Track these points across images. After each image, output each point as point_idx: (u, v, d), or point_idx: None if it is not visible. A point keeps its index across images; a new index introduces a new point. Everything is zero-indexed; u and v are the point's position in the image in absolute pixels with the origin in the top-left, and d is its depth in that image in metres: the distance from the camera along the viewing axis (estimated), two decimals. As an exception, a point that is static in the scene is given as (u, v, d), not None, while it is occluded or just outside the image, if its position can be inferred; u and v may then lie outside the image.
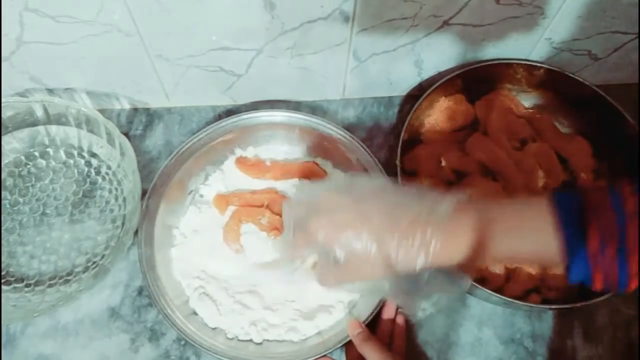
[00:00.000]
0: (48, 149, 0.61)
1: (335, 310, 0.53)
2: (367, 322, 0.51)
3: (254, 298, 0.54)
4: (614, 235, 0.33)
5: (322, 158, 0.62)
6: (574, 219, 0.34)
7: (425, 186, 0.40)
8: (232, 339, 0.53)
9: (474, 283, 0.50)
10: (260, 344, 0.53)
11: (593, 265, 0.34)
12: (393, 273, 0.37)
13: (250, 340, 0.53)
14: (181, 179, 0.58)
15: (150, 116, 0.66)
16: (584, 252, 0.34)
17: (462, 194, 0.38)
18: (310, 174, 0.60)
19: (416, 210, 0.37)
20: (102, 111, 0.63)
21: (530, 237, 0.36)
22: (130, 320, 0.55)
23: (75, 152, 0.61)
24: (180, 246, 0.57)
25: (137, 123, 0.66)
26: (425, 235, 0.35)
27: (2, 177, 0.60)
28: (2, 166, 0.60)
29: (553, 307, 0.54)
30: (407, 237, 0.36)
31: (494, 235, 0.36)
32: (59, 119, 0.59)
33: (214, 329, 0.53)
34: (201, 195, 0.59)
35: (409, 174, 0.61)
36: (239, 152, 0.61)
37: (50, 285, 0.55)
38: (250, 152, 0.61)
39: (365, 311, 0.51)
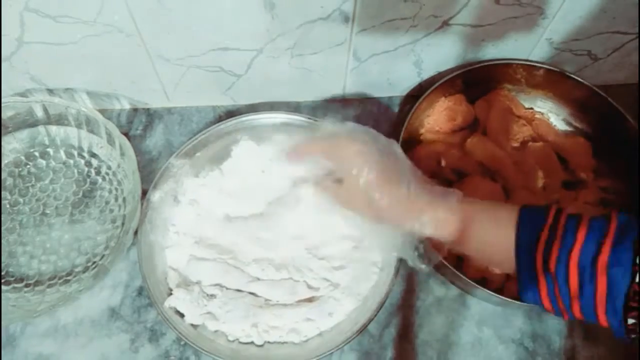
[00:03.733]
0: (48, 149, 0.61)
1: (336, 313, 0.53)
2: (371, 321, 0.51)
3: (255, 300, 0.54)
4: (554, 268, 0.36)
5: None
6: (531, 240, 0.37)
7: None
8: (233, 341, 0.53)
9: (474, 283, 0.50)
10: (261, 345, 0.53)
11: (540, 287, 0.37)
12: (379, 219, 0.43)
13: (252, 343, 0.53)
14: (181, 179, 0.58)
15: (151, 116, 0.66)
16: (532, 272, 0.37)
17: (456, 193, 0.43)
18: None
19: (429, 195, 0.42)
20: (102, 111, 0.64)
21: (498, 237, 0.39)
22: (130, 321, 0.55)
23: (75, 152, 0.61)
24: (179, 246, 0.56)
25: (137, 123, 0.66)
26: (431, 213, 0.41)
27: (2, 177, 0.60)
28: (2, 166, 0.60)
29: (553, 307, 0.54)
30: (414, 206, 0.42)
31: (473, 227, 0.41)
32: (59, 119, 0.59)
33: (215, 331, 0.53)
34: (200, 196, 0.59)
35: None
36: (235, 153, 0.61)
37: (50, 285, 0.55)
38: (250, 150, 0.61)
39: (365, 314, 0.51)
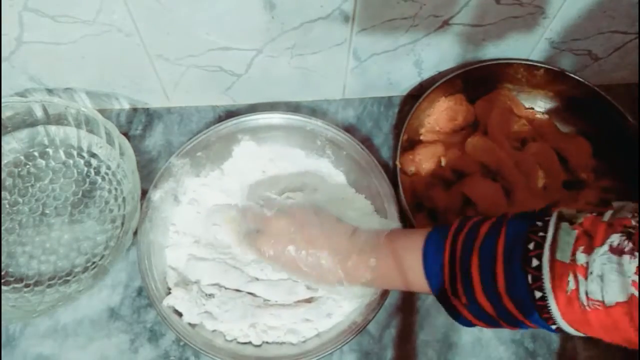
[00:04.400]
0: (47, 149, 0.61)
1: (334, 314, 0.53)
2: (365, 326, 0.51)
3: (253, 300, 0.54)
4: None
5: (322, 158, 0.61)
6: (437, 259, 0.41)
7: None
8: (231, 340, 0.52)
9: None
10: (259, 346, 0.52)
11: (454, 302, 0.40)
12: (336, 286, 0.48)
13: (250, 343, 0.52)
14: (182, 178, 0.58)
15: (150, 116, 0.66)
16: (440, 284, 0.41)
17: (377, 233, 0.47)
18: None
19: (358, 245, 0.47)
20: (101, 111, 0.63)
21: (408, 264, 0.43)
22: (129, 321, 0.55)
23: (75, 152, 0.61)
24: (178, 245, 0.56)
25: (136, 123, 0.66)
26: (369, 264, 0.46)
27: (2, 177, 0.60)
28: (2, 166, 0.60)
29: (553, 307, 0.54)
30: (356, 267, 0.46)
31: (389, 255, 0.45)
32: (59, 119, 0.59)
33: (213, 331, 0.53)
34: (200, 195, 0.59)
35: (409, 174, 0.61)
36: (236, 153, 0.61)
37: (49, 286, 0.55)
38: (251, 150, 0.61)
39: (364, 316, 0.51)
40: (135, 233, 0.54)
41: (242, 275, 0.55)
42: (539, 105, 0.66)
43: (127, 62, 0.58)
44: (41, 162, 0.61)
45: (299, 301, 0.54)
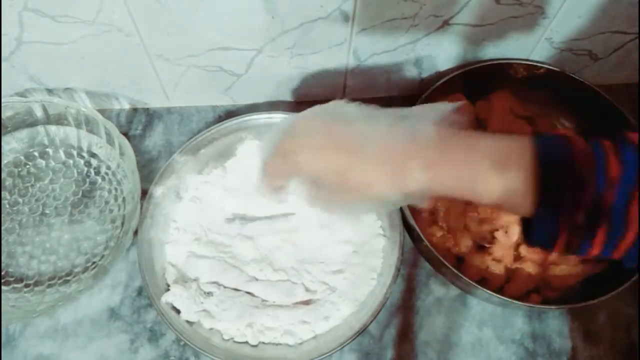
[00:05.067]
0: (47, 149, 0.61)
1: (332, 317, 0.53)
2: (366, 327, 0.51)
3: (251, 300, 0.54)
4: (588, 203, 0.31)
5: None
6: (555, 171, 0.32)
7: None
8: (227, 340, 0.53)
9: (474, 283, 0.50)
10: (255, 346, 0.52)
11: (561, 225, 0.32)
12: (376, 199, 0.37)
13: (246, 342, 0.53)
14: (184, 175, 0.58)
15: (150, 116, 0.66)
16: (555, 210, 0.32)
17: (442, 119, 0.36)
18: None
19: (402, 140, 0.36)
20: (101, 111, 0.63)
21: (511, 177, 0.33)
22: (129, 321, 0.55)
23: (75, 152, 0.61)
24: (179, 242, 0.56)
25: (136, 123, 0.66)
26: (415, 170, 0.35)
27: (2, 177, 0.60)
28: (2, 166, 0.60)
29: (553, 307, 0.54)
30: (398, 170, 0.35)
31: (480, 171, 0.34)
32: (59, 119, 0.59)
33: (210, 329, 0.53)
34: (202, 193, 0.59)
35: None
36: (240, 151, 0.61)
37: (49, 286, 0.55)
38: (254, 149, 0.61)
39: (362, 319, 0.51)
40: (135, 233, 0.54)
41: (241, 275, 0.55)
42: (538, 105, 0.66)
43: (127, 62, 0.58)
44: (41, 162, 0.61)
45: (297, 303, 0.54)
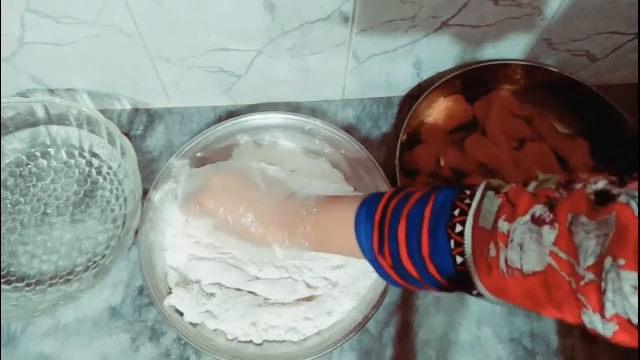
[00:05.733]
0: (49, 149, 0.62)
1: (334, 312, 0.54)
2: (365, 324, 0.51)
3: (254, 299, 0.54)
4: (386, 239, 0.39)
5: (321, 157, 0.62)
6: (369, 219, 0.41)
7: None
8: (232, 340, 0.53)
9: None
10: (260, 344, 0.53)
11: (382, 263, 0.40)
12: (270, 246, 0.47)
13: (251, 342, 0.53)
14: (181, 179, 0.58)
15: (151, 117, 0.66)
16: (371, 252, 0.41)
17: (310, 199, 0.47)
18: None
19: (294, 209, 0.46)
20: (103, 111, 0.64)
21: (340, 229, 0.43)
22: (131, 320, 0.55)
23: (77, 153, 0.62)
24: (179, 246, 0.57)
25: (138, 123, 0.66)
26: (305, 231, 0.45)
27: (4, 177, 0.60)
28: (4, 166, 0.60)
29: (552, 306, 0.54)
30: (293, 231, 0.46)
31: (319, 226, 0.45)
32: (60, 120, 0.59)
33: (214, 330, 0.53)
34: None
35: (408, 174, 0.61)
36: (237, 154, 0.61)
37: (51, 285, 0.55)
38: (250, 150, 0.61)
39: (364, 313, 0.52)
40: (136, 233, 0.54)
41: (243, 275, 0.55)
42: (537, 106, 0.66)
43: (129, 63, 0.58)
44: (43, 162, 0.61)
45: (299, 300, 0.55)
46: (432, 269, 0.37)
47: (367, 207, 0.41)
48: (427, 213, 0.37)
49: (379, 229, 0.39)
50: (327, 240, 0.45)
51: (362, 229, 0.41)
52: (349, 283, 0.54)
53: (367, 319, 0.51)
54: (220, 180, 0.49)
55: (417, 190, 0.40)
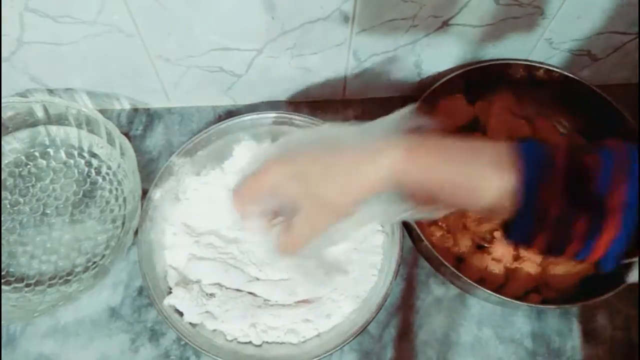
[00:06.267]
0: (48, 149, 0.61)
1: (334, 315, 0.53)
2: (369, 323, 0.51)
3: (254, 300, 0.54)
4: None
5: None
6: (537, 171, 0.33)
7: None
8: (231, 340, 0.53)
9: (474, 283, 0.51)
10: (259, 345, 0.53)
11: (538, 224, 0.33)
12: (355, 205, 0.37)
13: (250, 343, 0.53)
14: (182, 177, 0.58)
15: (151, 116, 0.66)
16: (534, 207, 0.32)
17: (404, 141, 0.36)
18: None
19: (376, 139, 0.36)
20: (102, 111, 0.63)
21: (507, 177, 0.33)
22: (130, 320, 0.55)
23: (76, 152, 0.61)
24: (179, 245, 0.56)
25: (137, 123, 0.66)
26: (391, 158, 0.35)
27: (3, 177, 0.60)
28: (3, 166, 0.60)
29: (552, 306, 0.54)
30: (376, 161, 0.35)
31: (483, 171, 0.34)
32: (60, 119, 0.59)
33: (214, 330, 0.53)
34: (201, 195, 0.59)
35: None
36: (237, 152, 0.61)
37: (50, 285, 0.55)
38: (252, 149, 0.61)
39: (364, 316, 0.51)
40: (135, 233, 0.54)
41: (243, 275, 0.55)
42: (538, 105, 0.66)
43: (128, 62, 0.58)
44: (42, 162, 0.61)
45: (299, 301, 0.54)
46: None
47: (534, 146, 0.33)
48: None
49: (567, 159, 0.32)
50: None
51: (533, 153, 0.33)
52: (349, 286, 0.54)
53: (367, 322, 0.51)
54: (288, 145, 0.40)
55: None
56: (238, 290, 0.55)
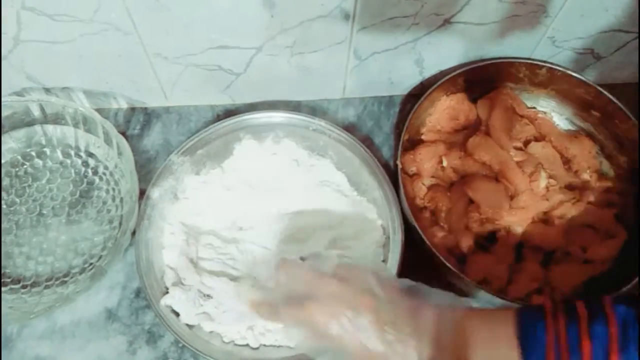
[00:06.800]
0: (45, 149, 0.61)
1: None
2: None
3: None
4: None
5: (323, 158, 0.61)
6: (537, 342, 0.35)
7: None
8: (228, 343, 0.52)
9: (476, 285, 0.50)
10: (257, 348, 0.52)
11: None
12: None
13: (247, 345, 0.52)
14: (181, 176, 0.57)
15: (148, 115, 0.66)
16: None
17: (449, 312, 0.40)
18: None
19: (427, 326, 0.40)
20: (99, 110, 0.63)
21: (498, 348, 0.37)
22: (127, 322, 0.55)
23: (72, 152, 0.61)
24: (176, 245, 0.56)
25: (134, 122, 0.65)
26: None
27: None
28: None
29: (556, 308, 0.53)
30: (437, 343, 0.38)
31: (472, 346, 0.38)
32: (56, 119, 0.59)
33: (210, 332, 0.52)
34: (200, 194, 0.59)
35: (410, 174, 0.60)
36: (237, 151, 0.60)
37: (46, 287, 0.55)
38: (252, 148, 0.61)
39: None
40: (133, 233, 0.53)
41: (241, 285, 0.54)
42: (541, 104, 0.65)
43: (125, 61, 0.57)
44: (38, 162, 0.61)
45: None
46: None
47: (531, 322, 0.37)
48: (613, 329, 0.34)
49: (555, 348, 0.35)
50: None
51: (533, 348, 0.36)
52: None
53: None
54: (334, 287, 0.41)
55: (577, 301, 0.36)
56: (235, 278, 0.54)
